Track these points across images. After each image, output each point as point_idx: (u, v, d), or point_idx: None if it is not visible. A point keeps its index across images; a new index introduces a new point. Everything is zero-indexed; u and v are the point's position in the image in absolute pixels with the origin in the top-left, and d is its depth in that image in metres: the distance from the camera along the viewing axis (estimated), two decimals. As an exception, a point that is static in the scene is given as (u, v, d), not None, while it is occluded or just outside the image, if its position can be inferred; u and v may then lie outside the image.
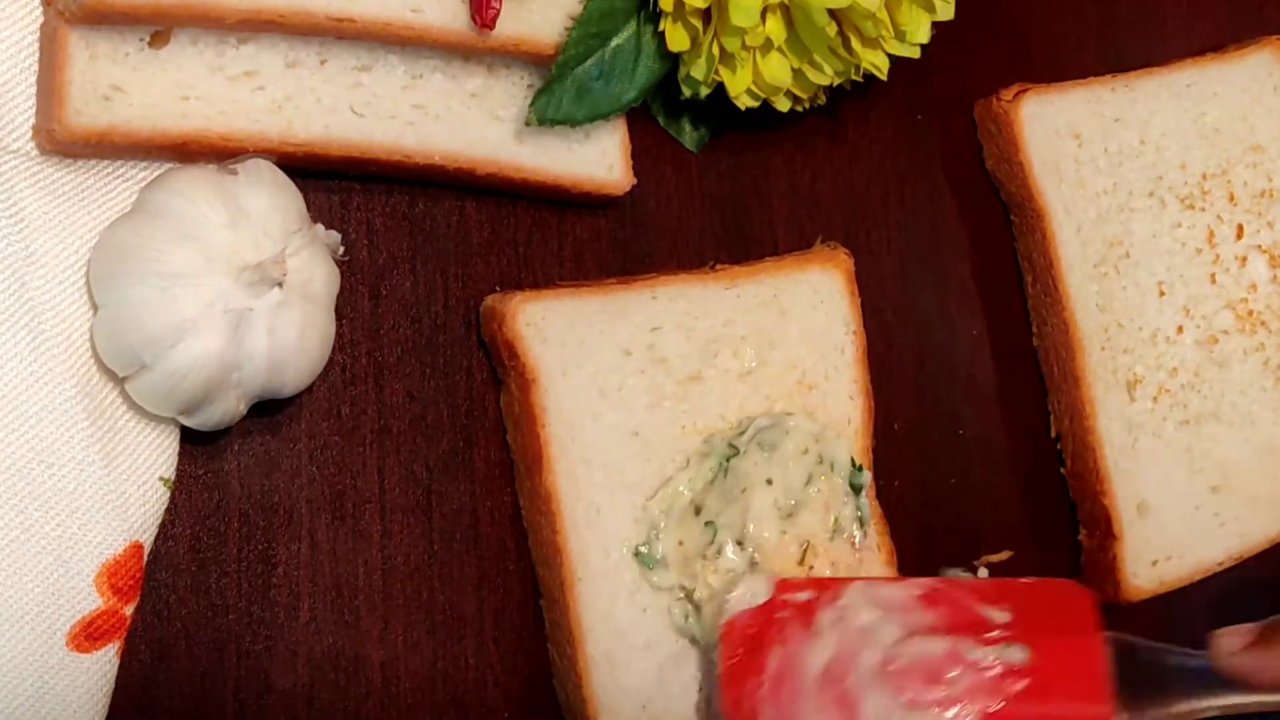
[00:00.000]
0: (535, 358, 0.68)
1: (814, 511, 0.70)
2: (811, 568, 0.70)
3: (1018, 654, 0.67)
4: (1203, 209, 0.81)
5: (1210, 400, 0.80)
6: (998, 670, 0.67)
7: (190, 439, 0.64)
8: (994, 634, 0.68)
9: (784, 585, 0.69)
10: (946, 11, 0.72)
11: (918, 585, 0.69)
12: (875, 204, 0.79)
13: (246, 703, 0.65)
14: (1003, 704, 0.67)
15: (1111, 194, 0.80)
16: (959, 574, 0.73)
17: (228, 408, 0.61)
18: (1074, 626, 0.69)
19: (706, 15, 0.69)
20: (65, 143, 0.60)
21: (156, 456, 0.63)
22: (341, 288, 0.64)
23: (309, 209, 0.63)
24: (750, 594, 0.68)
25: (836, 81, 0.72)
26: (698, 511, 0.69)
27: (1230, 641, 0.66)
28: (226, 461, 0.66)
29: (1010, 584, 0.71)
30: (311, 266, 0.61)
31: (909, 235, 0.80)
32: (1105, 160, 0.80)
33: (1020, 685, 0.67)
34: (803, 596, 0.68)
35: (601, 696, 0.67)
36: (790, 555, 0.70)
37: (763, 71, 0.70)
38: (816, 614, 0.68)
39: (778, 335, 0.72)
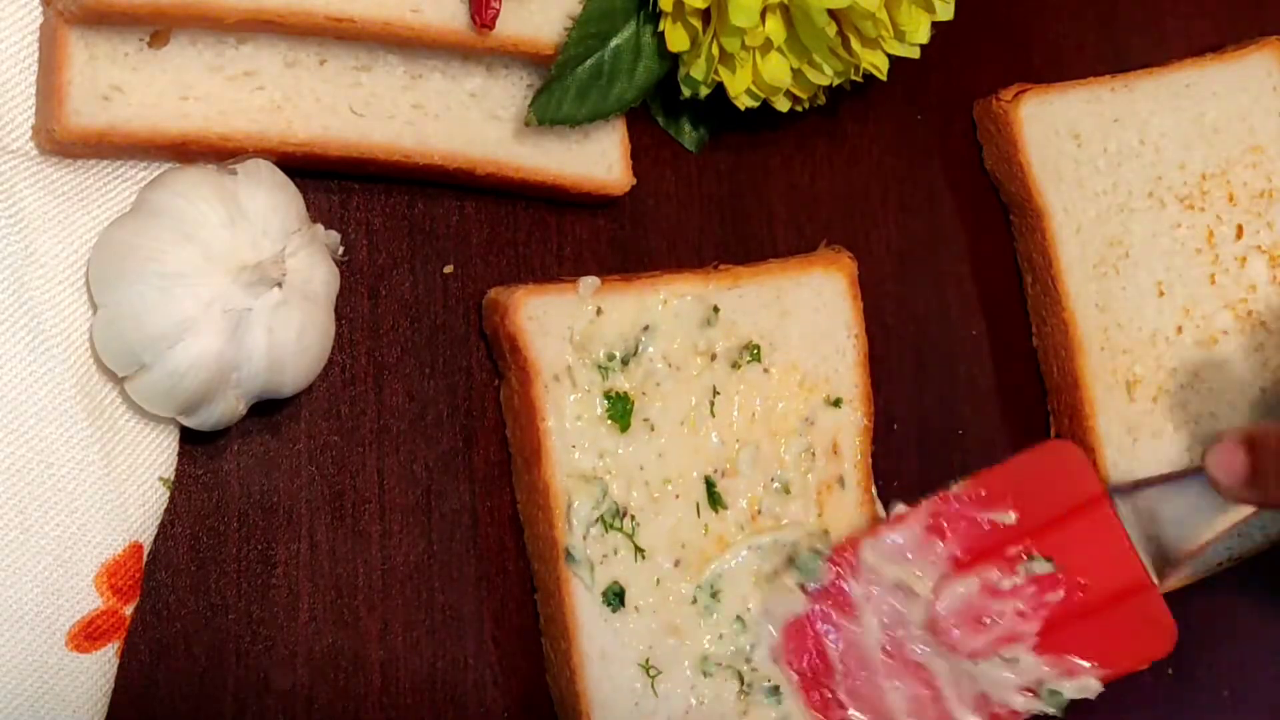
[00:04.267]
0: (536, 352, 0.68)
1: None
2: None
3: (1042, 564, 0.69)
4: (1202, 209, 0.81)
5: (1210, 400, 0.80)
6: (1031, 589, 0.69)
7: (190, 439, 0.64)
8: (1013, 551, 0.70)
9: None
10: (946, 11, 0.72)
11: (917, 519, 0.70)
12: (875, 204, 0.79)
13: (246, 703, 0.65)
14: (1048, 617, 0.69)
15: (1111, 194, 0.80)
16: (959, 486, 0.73)
17: (227, 408, 0.61)
18: (1078, 499, 0.70)
19: (706, 15, 0.69)
20: (65, 143, 0.60)
21: (156, 456, 0.63)
22: (341, 288, 0.64)
23: (309, 209, 0.63)
24: (785, 603, 0.69)
25: (836, 82, 0.72)
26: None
27: (1223, 470, 0.65)
28: (226, 461, 0.66)
29: (1001, 471, 0.71)
30: (311, 266, 0.61)
31: (909, 235, 0.80)
32: (1105, 160, 0.80)
33: (1057, 594, 0.69)
34: (826, 578, 0.69)
35: (594, 693, 0.67)
36: None
37: (762, 71, 0.70)
38: (848, 592, 0.69)
39: (779, 337, 0.72)
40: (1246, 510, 0.68)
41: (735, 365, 0.71)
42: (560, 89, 0.68)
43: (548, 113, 0.68)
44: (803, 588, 0.69)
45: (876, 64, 0.72)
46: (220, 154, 0.63)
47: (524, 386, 0.68)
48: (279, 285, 0.59)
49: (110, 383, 0.62)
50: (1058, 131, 0.79)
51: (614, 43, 0.69)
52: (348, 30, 0.63)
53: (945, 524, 0.70)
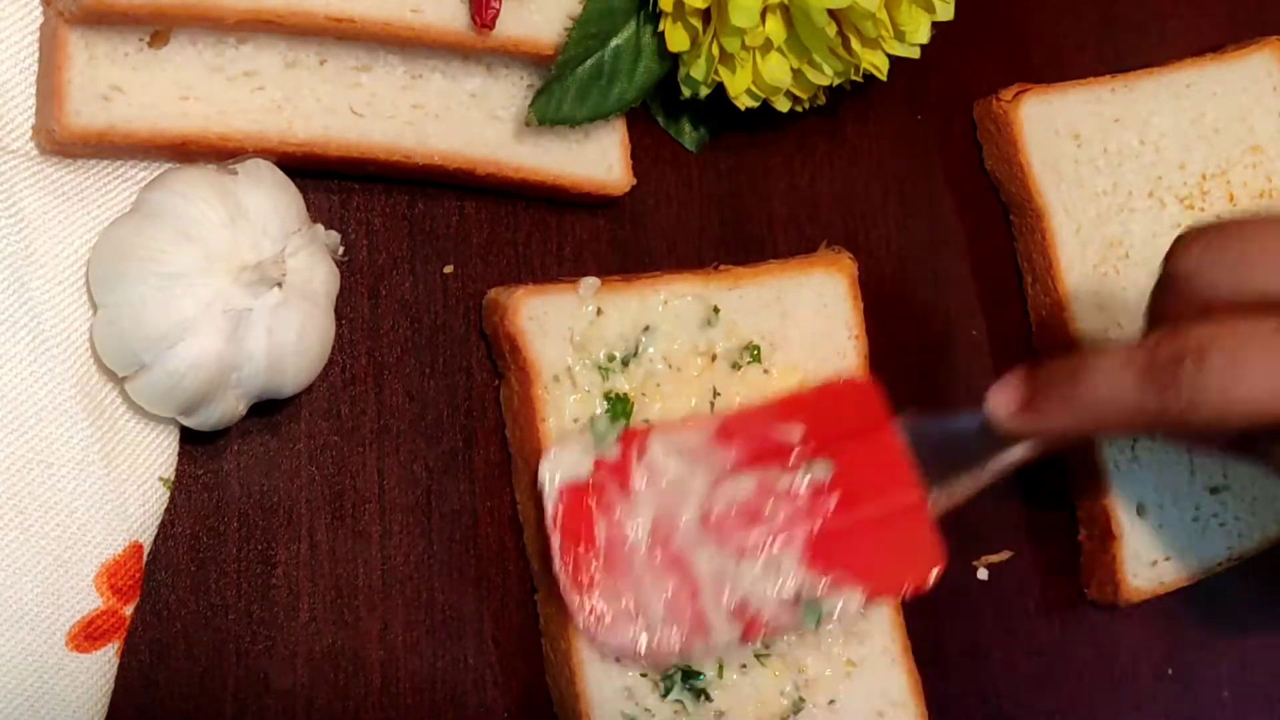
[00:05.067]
0: (536, 352, 0.68)
1: None
2: None
3: (822, 470, 0.69)
4: (1202, 209, 0.81)
5: (1210, 400, 0.80)
6: (808, 492, 0.68)
7: (190, 439, 0.65)
8: (795, 455, 0.69)
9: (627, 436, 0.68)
10: (946, 11, 0.72)
11: (710, 422, 0.70)
12: (875, 204, 0.80)
13: (246, 703, 0.65)
14: (821, 522, 0.68)
15: (1111, 194, 0.80)
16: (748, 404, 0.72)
17: (227, 408, 0.61)
18: (867, 423, 0.70)
19: (706, 15, 0.69)
20: (65, 143, 0.60)
21: (156, 456, 0.63)
22: (341, 288, 0.64)
23: (309, 209, 0.63)
24: (573, 462, 0.67)
25: (836, 82, 0.72)
26: None
27: (1000, 401, 0.65)
28: (226, 461, 0.66)
29: (797, 398, 0.71)
30: (311, 266, 0.61)
31: (908, 235, 0.80)
32: (1105, 160, 0.80)
33: (833, 500, 0.68)
34: (613, 457, 0.68)
35: (594, 693, 0.67)
36: None
37: (762, 72, 0.70)
38: (630, 475, 0.68)
39: (779, 337, 0.72)
40: (1018, 450, 0.67)
41: (735, 366, 0.71)
42: (560, 89, 0.68)
43: (548, 113, 0.68)
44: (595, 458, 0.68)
45: (876, 64, 0.72)
46: (220, 154, 0.63)
47: (524, 387, 0.68)
48: (279, 285, 0.59)
49: (110, 383, 0.62)
50: (1058, 131, 0.79)
51: (614, 43, 0.69)
52: (348, 30, 0.63)
53: (733, 432, 0.69)
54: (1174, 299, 0.62)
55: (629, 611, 0.67)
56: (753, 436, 0.69)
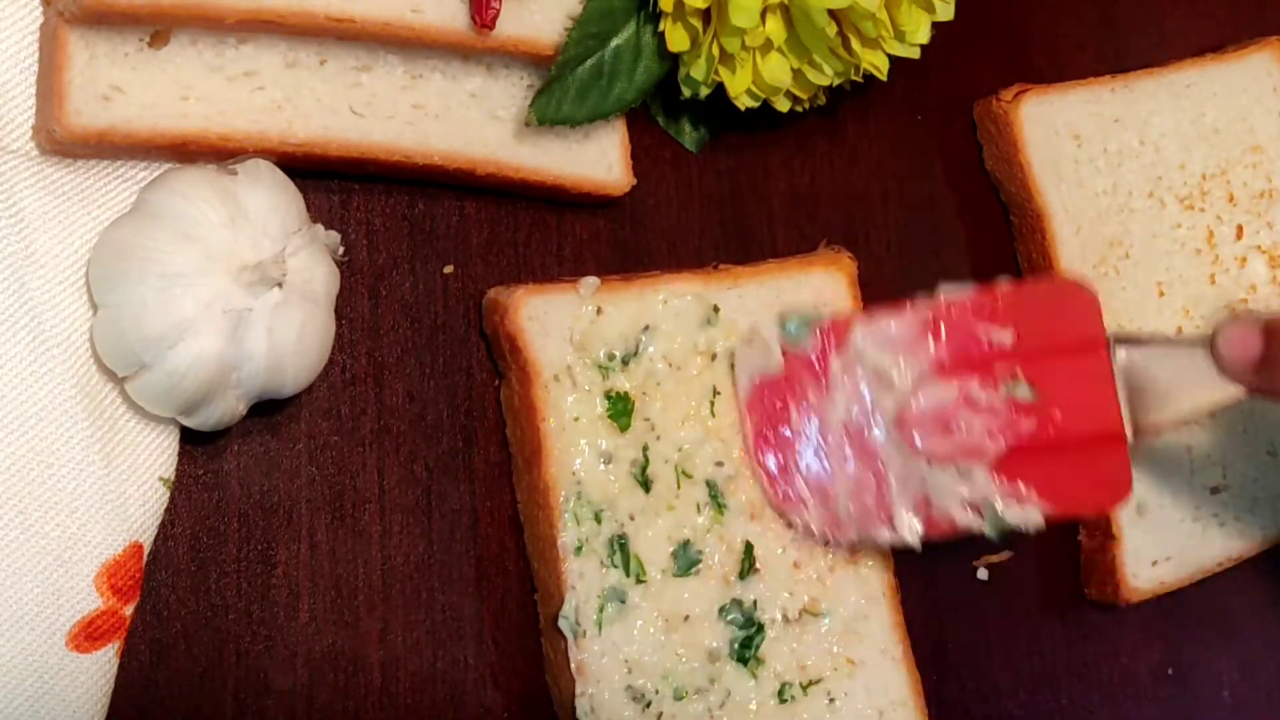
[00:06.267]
0: (536, 352, 0.68)
1: None
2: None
3: (1024, 389, 0.69)
4: (1202, 209, 0.81)
5: (1210, 400, 0.80)
6: (1007, 411, 0.69)
7: (190, 439, 0.64)
8: (1000, 369, 0.69)
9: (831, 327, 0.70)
10: (946, 12, 0.72)
11: (919, 312, 0.70)
12: (875, 204, 0.80)
13: (246, 703, 0.65)
14: (1014, 443, 0.68)
15: (1111, 194, 0.80)
16: (956, 288, 0.72)
17: (227, 408, 0.61)
18: (1078, 339, 0.69)
19: (706, 15, 0.69)
20: (65, 143, 0.60)
21: (156, 456, 0.63)
22: (341, 288, 0.64)
23: (309, 209, 0.63)
24: (761, 357, 0.69)
25: (836, 82, 0.72)
26: None
27: (1235, 350, 0.64)
28: (226, 461, 0.66)
29: (1012, 295, 0.70)
30: (311, 266, 0.61)
31: (909, 235, 0.80)
32: (1105, 161, 0.80)
33: (1030, 422, 0.69)
34: (809, 348, 0.70)
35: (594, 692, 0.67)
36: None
37: (762, 72, 0.70)
38: (828, 365, 0.69)
39: (778, 336, 0.72)
40: (1234, 392, 0.66)
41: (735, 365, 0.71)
42: (560, 89, 0.68)
43: (548, 113, 0.68)
44: (784, 350, 0.70)
45: (876, 64, 0.72)
46: (220, 154, 0.63)
47: (524, 386, 0.68)
48: (279, 285, 0.59)
49: (110, 383, 0.62)
50: (1058, 131, 0.79)
51: (614, 43, 0.69)
52: (348, 30, 0.63)
53: (943, 326, 0.70)
54: None
55: (815, 492, 0.69)
56: (962, 333, 0.69)
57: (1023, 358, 0.69)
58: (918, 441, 0.69)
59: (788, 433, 0.69)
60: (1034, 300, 0.71)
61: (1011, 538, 0.71)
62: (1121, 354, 0.69)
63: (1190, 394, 0.68)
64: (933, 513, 0.69)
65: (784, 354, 0.70)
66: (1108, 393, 0.69)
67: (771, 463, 0.69)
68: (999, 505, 0.69)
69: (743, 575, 0.70)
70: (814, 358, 0.70)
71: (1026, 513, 0.69)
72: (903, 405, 0.69)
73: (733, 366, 0.70)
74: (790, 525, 0.70)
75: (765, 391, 0.69)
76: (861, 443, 0.69)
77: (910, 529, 0.69)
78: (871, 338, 0.70)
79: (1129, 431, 0.69)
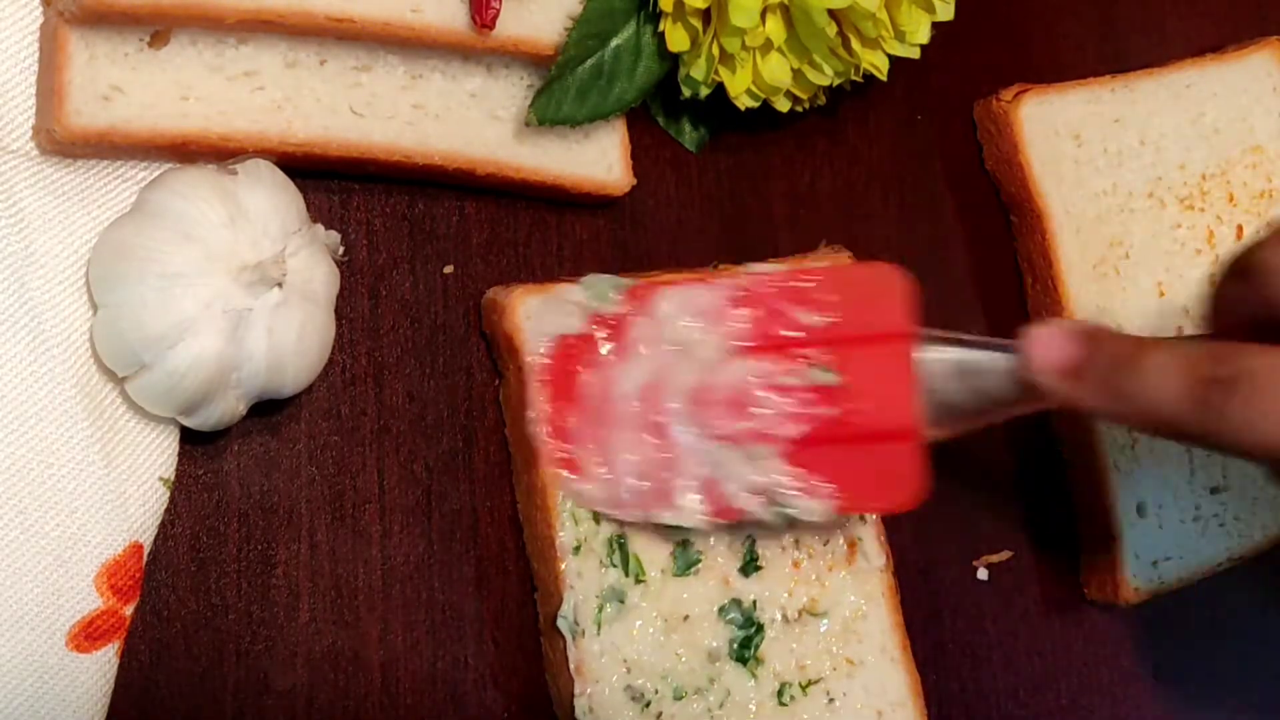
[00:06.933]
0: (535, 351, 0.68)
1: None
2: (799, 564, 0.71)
3: (826, 376, 0.66)
4: (1202, 209, 0.81)
5: (1210, 400, 0.80)
6: (806, 396, 0.66)
7: (190, 439, 0.64)
8: (804, 353, 0.66)
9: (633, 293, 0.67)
10: (946, 12, 0.72)
11: (727, 286, 0.67)
12: (875, 204, 0.80)
13: (246, 703, 0.65)
14: (809, 429, 0.66)
15: (1111, 194, 0.80)
16: (767, 268, 0.70)
17: (227, 408, 0.61)
18: (886, 329, 0.66)
19: (706, 15, 0.69)
20: (65, 143, 0.60)
21: (156, 456, 0.63)
22: (341, 288, 0.64)
23: (309, 209, 0.63)
24: (562, 314, 0.66)
25: (836, 82, 0.72)
26: None
27: (1046, 354, 0.61)
28: (226, 461, 0.66)
29: (829, 277, 0.68)
30: (311, 266, 0.61)
31: (909, 235, 0.80)
32: (1105, 161, 0.80)
33: (828, 412, 0.66)
34: (613, 310, 0.67)
35: (594, 692, 0.67)
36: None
37: (762, 72, 0.70)
38: (629, 330, 0.67)
39: (777, 335, 0.72)
40: (1035, 399, 0.63)
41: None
42: (560, 89, 0.68)
43: (548, 113, 0.68)
44: (586, 310, 0.67)
45: (876, 64, 0.72)
46: (220, 154, 0.63)
47: (523, 386, 0.68)
48: (279, 285, 0.59)
49: (110, 383, 0.62)
50: (1058, 131, 0.79)
51: (614, 43, 0.69)
52: (348, 30, 0.63)
53: (751, 302, 0.67)
54: (1252, 290, 0.59)
55: (600, 462, 0.66)
56: (770, 310, 0.66)
57: (830, 342, 0.66)
58: (712, 419, 0.66)
59: (579, 397, 0.66)
60: (850, 285, 0.68)
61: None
62: (925, 350, 0.66)
63: (990, 396, 0.65)
64: (716, 495, 0.67)
65: (586, 315, 0.67)
66: (908, 388, 0.66)
67: (557, 428, 0.66)
68: (785, 494, 0.66)
69: (745, 572, 0.70)
70: (616, 321, 0.66)
71: (814, 504, 0.66)
72: (701, 380, 0.66)
73: (528, 320, 0.67)
74: (571, 496, 0.66)
75: (562, 351, 0.66)
76: (654, 415, 0.66)
77: (694, 511, 0.66)
78: (678, 304, 0.67)
79: (927, 427, 0.66)
